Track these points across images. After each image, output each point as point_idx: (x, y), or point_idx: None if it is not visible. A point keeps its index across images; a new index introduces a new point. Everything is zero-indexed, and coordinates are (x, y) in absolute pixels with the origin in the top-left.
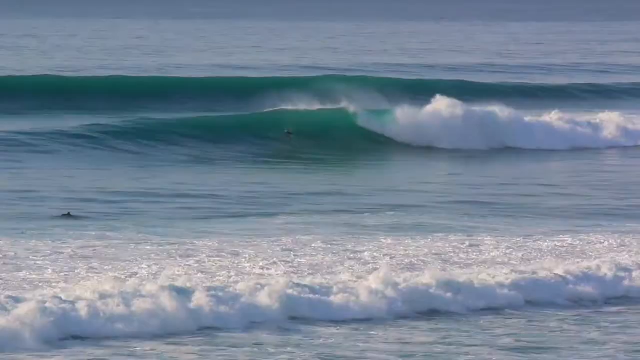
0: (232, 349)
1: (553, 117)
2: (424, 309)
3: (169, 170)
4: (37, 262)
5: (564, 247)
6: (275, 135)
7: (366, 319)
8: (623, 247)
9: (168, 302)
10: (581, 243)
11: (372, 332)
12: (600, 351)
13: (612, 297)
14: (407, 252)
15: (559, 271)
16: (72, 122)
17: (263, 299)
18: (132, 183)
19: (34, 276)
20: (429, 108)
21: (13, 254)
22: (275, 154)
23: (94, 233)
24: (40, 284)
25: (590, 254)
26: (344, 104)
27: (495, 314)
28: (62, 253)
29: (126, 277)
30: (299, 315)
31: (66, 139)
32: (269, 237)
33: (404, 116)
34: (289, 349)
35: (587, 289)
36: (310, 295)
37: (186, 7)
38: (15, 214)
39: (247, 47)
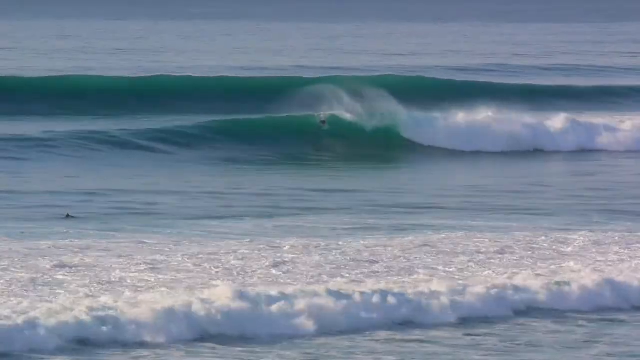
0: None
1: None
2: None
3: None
4: (37, 263)
5: (559, 248)
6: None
7: (369, 325)
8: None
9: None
10: (576, 245)
11: (365, 335)
12: (588, 355)
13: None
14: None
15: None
16: (99, 124)
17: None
18: (134, 183)
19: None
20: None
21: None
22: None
23: (92, 232)
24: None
25: (586, 255)
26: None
27: (483, 318)
28: (62, 255)
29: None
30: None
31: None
32: (271, 238)
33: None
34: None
35: (578, 290)
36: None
37: (186, 8)
38: (15, 214)
39: (248, 47)
